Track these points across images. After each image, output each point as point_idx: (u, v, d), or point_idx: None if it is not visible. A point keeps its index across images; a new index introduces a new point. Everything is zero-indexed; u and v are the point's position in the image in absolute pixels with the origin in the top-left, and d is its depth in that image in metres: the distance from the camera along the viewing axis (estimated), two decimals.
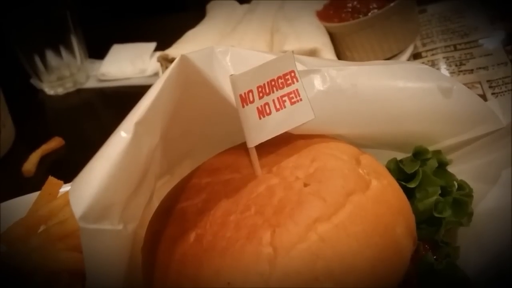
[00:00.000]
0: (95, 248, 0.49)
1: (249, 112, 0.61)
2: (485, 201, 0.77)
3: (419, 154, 0.76)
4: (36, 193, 0.97)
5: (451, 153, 0.80)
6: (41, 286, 0.73)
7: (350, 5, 1.37)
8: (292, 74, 0.64)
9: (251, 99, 0.61)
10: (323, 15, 1.40)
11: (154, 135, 0.58)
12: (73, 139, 1.45)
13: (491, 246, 0.72)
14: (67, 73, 1.71)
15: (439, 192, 0.73)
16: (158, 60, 1.39)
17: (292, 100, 0.64)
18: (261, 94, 0.62)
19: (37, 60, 1.65)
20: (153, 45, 1.79)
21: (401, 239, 0.59)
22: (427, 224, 0.73)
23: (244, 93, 0.60)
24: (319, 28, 1.37)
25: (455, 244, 0.74)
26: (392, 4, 1.30)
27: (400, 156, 0.79)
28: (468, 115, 0.76)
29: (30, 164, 1.33)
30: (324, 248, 0.54)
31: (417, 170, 0.73)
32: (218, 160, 0.72)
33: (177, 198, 0.67)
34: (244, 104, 0.60)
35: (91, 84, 1.74)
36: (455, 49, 1.36)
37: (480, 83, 1.21)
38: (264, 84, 0.62)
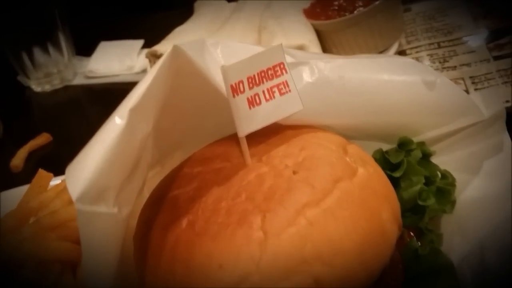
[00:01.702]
0: (91, 230, 0.50)
1: (240, 102, 0.63)
2: (467, 191, 0.79)
3: (403, 145, 0.78)
4: (26, 186, 0.98)
5: (435, 144, 0.83)
6: (32, 276, 0.74)
7: (336, 3, 1.40)
8: (281, 66, 0.65)
9: (242, 90, 0.62)
10: (310, 13, 1.43)
11: (148, 122, 0.60)
12: (61, 135, 1.45)
13: (473, 234, 0.74)
14: (54, 70, 1.71)
15: (423, 181, 0.75)
16: (147, 56, 1.40)
17: (282, 91, 0.65)
18: (251, 85, 0.63)
19: (25, 57, 1.65)
20: (140, 42, 1.80)
21: (387, 223, 0.61)
22: (412, 212, 0.75)
23: (235, 83, 0.62)
24: (306, 25, 1.39)
25: (439, 231, 0.77)
26: (377, 2, 1.33)
27: (385, 147, 0.81)
28: (451, 107, 0.78)
29: (18, 159, 1.33)
30: (313, 232, 0.56)
31: (402, 160, 0.76)
32: (209, 150, 0.73)
33: (169, 187, 0.69)
34: (235, 94, 0.62)
35: (79, 81, 1.75)
36: (439, 47, 1.39)
37: (463, 79, 1.24)
38: (254, 75, 0.63)
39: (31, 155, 1.38)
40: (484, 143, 0.80)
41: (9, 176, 1.32)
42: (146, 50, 1.71)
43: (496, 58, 1.26)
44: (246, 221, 0.57)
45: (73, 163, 0.51)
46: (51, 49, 1.67)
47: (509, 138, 0.79)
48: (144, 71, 1.67)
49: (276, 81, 0.65)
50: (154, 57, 1.37)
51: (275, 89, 0.65)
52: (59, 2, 1.65)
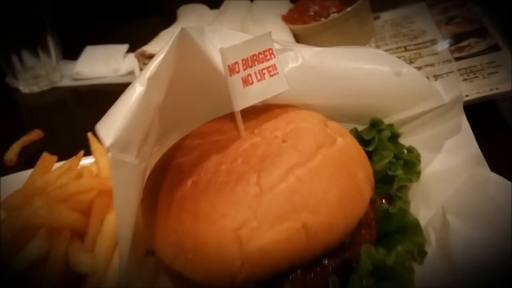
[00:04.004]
0: (120, 175, 0.59)
1: (235, 81, 0.73)
2: (431, 166, 0.90)
3: (375, 124, 0.89)
4: (23, 172, 1.05)
5: (402, 126, 0.94)
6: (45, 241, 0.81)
7: (312, 9, 1.52)
8: (270, 51, 0.76)
9: (237, 70, 0.73)
10: (288, 18, 1.55)
11: (161, 91, 0.68)
12: (48, 135, 1.51)
13: (436, 201, 0.85)
14: (43, 72, 1.78)
15: (392, 155, 0.86)
16: (136, 56, 1.49)
17: (271, 73, 0.76)
18: (245, 66, 0.73)
19: (15, 59, 1.71)
20: (125, 46, 1.89)
21: (362, 182, 0.72)
22: (383, 183, 0.86)
23: (232, 64, 0.72)
24: (284, 29, 1.51)
25: (407, 199, 0.88)
26: (348, 9, 1.46)
27: (359, 128, 0.92)
28: (416, 92, 0.89)
29: (12, 153, 1.39)
30: (301, 186, 0.66)
31: (373, 137, 0.87)
32: (206, 126, 0.83)
33: (172, 157, 0.78)
34: (231, 74, 0.72)
35: (66, 82, 1.82)
36: (405, 50, 1.52)
37: (427, 78, 1.36)
38: (247, 58, 0.73)
39: (23, 150, 1.43)
40: (445, 125, 0.91)
41: (2, 169, 1.37)
42: (130, 54, 1.81)
43: (457, 59, 1.38)
44: (243, 179, 0.67)
45: (102, 120, 0.60)
46: (40, 52, 1.74)
47: (466, 120, 0.90)
48: (130, 74, 1.75)
49: (266, 64, 0.75)
50: (143, 57, 1.46)
51: (265, 71, 0.76)
52: (48, 8, 1.73)
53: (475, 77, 1.28)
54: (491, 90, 1.22)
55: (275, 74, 0.76)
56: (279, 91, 0.77)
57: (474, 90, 1.23)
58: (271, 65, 0.76)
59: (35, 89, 1.78)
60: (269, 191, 0.65)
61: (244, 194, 0.66)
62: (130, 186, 0.64)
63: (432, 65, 1.41)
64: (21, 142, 1.43)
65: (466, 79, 1.29)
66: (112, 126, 0.58)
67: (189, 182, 0.71)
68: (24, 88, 1.78)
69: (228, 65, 0.71)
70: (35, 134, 1.47)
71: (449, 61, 1.39)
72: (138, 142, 0.63)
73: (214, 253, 0.64)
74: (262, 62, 0.75)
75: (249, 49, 0.73)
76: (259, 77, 0.75)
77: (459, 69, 1.34)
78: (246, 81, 0.74)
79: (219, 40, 0.77)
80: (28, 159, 1.40)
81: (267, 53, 0.75)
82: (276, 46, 0.78)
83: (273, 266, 0.64)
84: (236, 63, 0.72)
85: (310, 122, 0.77)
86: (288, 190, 0.66)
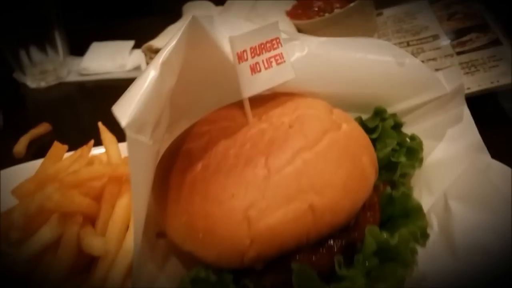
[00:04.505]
0: (136, 154, 0.62)
1: (244, 68, 0.75)
2: (433, 154, 0.92)
3: (379, 113, 0.92)
4: (37, 161, 1.08)
5: (404, 116, 0.96)
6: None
7: (316, 5, 1.54)
8: (278, 40, 0.78)
9: (245, 58, 0.75)
10: (292, 14, 1.57)
11: (173, 76, 0.71)
12: (56, 129, 1.53)
13: (438, 187, 0.87)
14: (50, 68, 1.81)
15: (396, 143, 0.88)
16: (143, 51, 1.52)
17: (278, 62, 0.78)
18: (253, 54, 0.76)
19: (23, 55, 1.75)
20: (131, 42, 1.91)
21: (366, 166, 0.74)
22: (386, 170, 0.88)
23: (240, 52, 0.74)
24: (288, 25, 1.53)
25: (409, 186, 0.90)
26: (352, 4, 1.48)
27: (363, 117, 0.94)
28: (418, 82, 0.91)
29: (21, 146, 1.41)
30: (307, 169, 0.69)
31: (377, 125, 0.89)
32: (214, 114, 0.85)
33: (181, 143, 0.80)
34: (240, 61, 0.74)
35: (73, 78, 1.85)
36: (408, 45, 1.54)
37: None
38: (255, 46, 0.76)
39: (31, 143, 1.45)
40: (446, 114, 0.93)
41: (12, 162, 1.40)
42: (136, 50, 1.84)
43: (458, 53, 1.40)
44: (252, 162, 0.70)
45: (118, 102, 0.62)
46: (48, 48, 1.77)
47: (467, 110, 0.92)
48: (136, 69, 1.77)
49: (273, 52, 0.78)
50: (150, 52, 1.48)
51: (272, 60, 0.78)
52: (56, 5, 1.76)
53: (477, 70, 1.30)
54: (492, 83, 1.24)
55: (282, 62, 0.79)
56: (285, 79, 0.79)
57: (476, 83, 1.25)
58: (278, 54, 0.78)
59: (43, 84, 1.81)
60: (277, 173, 0.68)
61: (253, 176, 0.68)
62: (145, 166, 0.67)
63: (434, 59, 1.43)
64: (29, 135, 1.46)
65: (467, 73, 1.31)
66: (128, 107, 0.61)
67: (199, 166, 0.73)
68: (31, 83, 1.81)
69: (237, 53, 0.74)
70: (43, 127, 1.50)
71: (451, 55, 1.41)
72: (152, 124, 0.65)
73: (224, 232, 0.66)
74: (270, 50, 0.77)
75: (257, 37, 0.76)
76: (266, 65, 0.77)
77: (461, 63, 1.36)
78: (254, 69, 0.76)
79: (228, 29, 0.79)
80: (36, 152, 1.42)
81: (274, 42, 0.78)
82: (283, 36, 0.80)
83: (281, 245, 0.66)
84: (245, 51, 0.75)
85: (316, 109, 0.79)
86: (295, 172, 0.68)
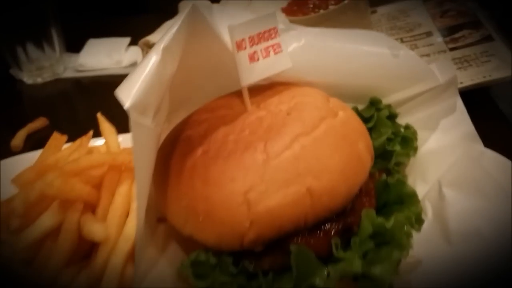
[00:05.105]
0: (139, 136, 0.63)
1: (242, 57, 0.77)
2: (427, 144, 0.94)
3: (374, 103, 0.93)
4: (35, 152, 1.09)
5: (399, 107, 0.98)
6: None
7: (311, 1, 1.56)
8: (275, 30, 0.80)
9: (244, 46, 0.77)
10: (288, 11, 1.59)
11: (174, 62, 0.72)
12: (53, 124, 1.54)
13: (432, 176, 0.89)
14: (46, 64, 1.81)
15: (391, 132, 0.90)
16: (140, 46, 1.53)
17: (275, 51, 0.80)
18: (251, 43, 0.77)
19: (20, 51, 1.75)
20: (127, 39, 1.92)
21: (363, 152, 0.76)
22: (381, 158, 0.90)
23: (239, 41, 0.76)
24: (284, 21, 1.54)
25: (404, 175, 0.92)
26: (346, 1, 1.50)
27: (359, 108, 0.96)
28: (412, 73, 0.93)
29: (18, 139, 1.41)
30: (305, 153, 0.70)
31: (372, 114, 0.91)
32: (213, 103, 0.87)
33: (181, 130, 0.82)
34: (239, 50, 0.76)
35: (69, 74, 1.85)
36: (402, 41, 1.56)
37: None
38: (254, 36, 0.77)
39: (28, 137, 1.46)
40: (440, 105, 0.95)
41: (10, 156, 1.40)
42: (132, 47, 1.85)
43: (451, 49, 1.42)
44: (251, 147, 0.71)
45: (121, 85, 0.63)
46: (44, 45, 1.78)
47: (460, 101, 0.94)
48: (132, 65, 1.78)
49: (271, 42, 0.80)
50: (146, 47, 1.50)
51: (270, 49, 0.80)
52: (53, 3, 1.77)
53: (469, 65, 1.32)
54: (484, 77, 1.26)
55: (279, 52, 0.80)
56: (283, 68, 0.81)
57: (468, 77, 1.28)
58: (276, 43, 0.80)
59: (39, 80, 1.82)
60: (275, 157, 0.69)
61: (252, 161, 0.69)
62: (147, 148, 0.68)
63: (427, 55, 1.45)
64: (27, 128, 1.46)
65: (460, 68, 1.34)
66: (131, 89, 0.62)
67: (199, 151, 0.74)
68: (28, 79, 1.81)
69: (236, 41, 0.75)
70: (40, 122, 1.51)
71: (444, 51, 1.43)
72: (154, 106, 0.67)
73: (224, 214, 0.68)
74: (267, 40, 0.79)
75: (255, 27, 0.77)
76: (264, 54, 0.79)
77: (454, 59, 1.38)
78: (252, 58, 0.77)
79: (227, 18, 0.81)
80: (34, 146, 1.42)
81: (272, 31, 0.79)
82: (280, 26, 0.82)
83: (279, 227, 0.68)
84: (243, 40, 0.76)
85: (313, 97, 0.81)
86: (293, 156, 0.70)
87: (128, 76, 0.65)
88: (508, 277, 0.71)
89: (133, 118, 0.61)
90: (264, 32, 0.78)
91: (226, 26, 0.75)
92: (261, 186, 0.68)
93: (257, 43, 0.78)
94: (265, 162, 0.69)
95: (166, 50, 0.67)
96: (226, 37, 0.77)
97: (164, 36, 0.68)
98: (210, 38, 0.78)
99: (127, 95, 0.61)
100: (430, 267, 0.77)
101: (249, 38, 0.77)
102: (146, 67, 0.65)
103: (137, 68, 0.65)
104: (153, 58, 0.66)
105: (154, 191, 0.79)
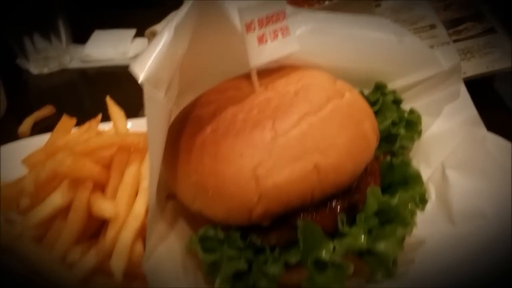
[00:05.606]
0: (152, 110, 0.65)
1: (251, 39, 0.78)
2: (431, 129, 0.96)
3: (379, 88, 0.95)
4: (44, 135, 1.10)
5: (403, 93, 0.99)
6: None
7: None
8: (283, 13, 0.81)
9: (253, 28, 0.78)
10: (293, 1, 1.60)
11: (184, 42, 0.73)
12: (59, 113, 1.55)
13: (435, 159, 0.91)
14: (53, 54, 1.83)
15: (396, 116, 0.92)
16: (146, 35, 1.54)
17: (283, 34, 0.81)
18: (260, 26, 0.79)
19: (27, 41, 1.77)
20: (133, 31, 1.94)
21: (368, 132, 0.77)
22: (386, 142, 0.92)
23: (248, 22, 0.77)
24: None
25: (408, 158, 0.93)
26: None
27: (365, 92, 0.98)
28: (417, 59, 0.95)
29: (25, 126, 1.43)
30: (312, 131, 0.72)
31: (378, 98, 0.92)
32: (221, 85, 0.88)
33: (190, 111, 0.83)
34: (248, 31, 0.77)
35: (75, 64, 1.87)
36: None
37: None
38: (262, 18, 0.79)
39: (35, 125, 1.48)
40: (444, 91, 0.97)
41: None
42: (138, 39, 1.87)
43: (455, 41, 1.44)
44: (259, 125, 0.73)
45: (135, 60, 0.65)
46: (51, 35, 1.80)
47: (464, 87, 0.96)
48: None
49: (279, 25, 0.81)
50: (153, 37, 1.50)
51: (278, 32, 0.81)
52: None
53: (472, 56, 1.34)
54: (487, 67, 1.28)
55: (287, 35, 0.82)
56: (290, 51, 0.82)
57: (471, 68, 1.30)
58: (284, 27, 0.81)
59: (45, 70, 1.83)
60: (283, 135, 0.71)
61: (261, 138, 0.71)
62: (161, 122, 0.70)
63: (431, 47, 1.46)
64: (34, 116, 1.48)
65: (463, 59, 1.35)
66: (145, 63, 0.64)
67: (208, 130, 0.76)
68: (34, 70, 1.83)
69: (246, 23, 0.77)
70: (47, 109, 1.52)
71: (447, 43, 1.45)
72: (166, 81, 0.68)
73: (233, 189, 0.70)
74: (276, 22, 0.80)
75: (264, 9, 0.79)
76: (273, 37, 0.80)
77: (457, 50, 1.40)
78: (261, 40, 0.79)
79: (236, 0, 0.82)
80: (40, 134, 1.44)
81: (280, 15, 0.81)
82: (288, 10, 0.83)
83: (287, 202, 0.70)
84: (252, 21, 0.78)
85: (320, 79, 0.83)
86: (301, 134, 0.71)
87: (142, 52, 0.66)
88: (510, 258, 0.72)
89: (147, 91, 0.63)
90: (273, 15, 0.80)
91: (235, 8, 0.77)
92: (269, 162, 0.69)
93: (266, 25, 0.79)
94: (273, 139, 0.71)
95: (178, 29, 0.69)
96: (235, 19, 0.78)
97: (176, 16, 0.70)
98: (220, 19, 0.79)
99: (141, 68, 0.63)
100: (434, 247, 0.79)
101: (258, 20, 0.78)
102: (159, 43, 0.66)
103: (151, 45, 0.67)
104: (166, 35, 0.67)
105: (163, 169, 0.80)
